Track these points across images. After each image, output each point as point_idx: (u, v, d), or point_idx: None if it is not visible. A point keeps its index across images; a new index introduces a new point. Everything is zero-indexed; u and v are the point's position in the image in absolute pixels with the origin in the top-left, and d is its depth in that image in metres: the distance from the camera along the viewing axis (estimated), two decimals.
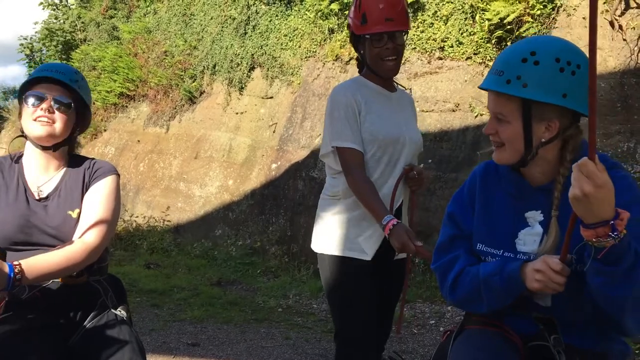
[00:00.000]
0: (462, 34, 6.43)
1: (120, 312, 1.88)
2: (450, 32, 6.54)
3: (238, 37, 9.61)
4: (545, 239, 1.48)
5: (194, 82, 10.46)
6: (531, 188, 1.55)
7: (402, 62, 2.34)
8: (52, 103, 1.83)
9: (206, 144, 9.73)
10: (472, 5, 6.33)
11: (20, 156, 1.94)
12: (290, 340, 4.40)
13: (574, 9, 5.57)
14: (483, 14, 6.11)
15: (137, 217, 9.56)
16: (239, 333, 4.58)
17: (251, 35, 9.35)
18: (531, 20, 5.73)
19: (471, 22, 6.36)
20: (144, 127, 11.39)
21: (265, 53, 9.02)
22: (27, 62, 18.42)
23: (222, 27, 10.08)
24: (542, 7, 5.68)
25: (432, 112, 6.41)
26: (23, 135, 1.91)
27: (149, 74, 11.49)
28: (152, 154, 10.83)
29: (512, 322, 1.56)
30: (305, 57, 8.38)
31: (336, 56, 7.84)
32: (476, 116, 5.98)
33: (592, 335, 1.50)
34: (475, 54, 6.26)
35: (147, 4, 12.68)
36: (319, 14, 8.11)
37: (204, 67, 10.28)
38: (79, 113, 1.94)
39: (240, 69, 9.42)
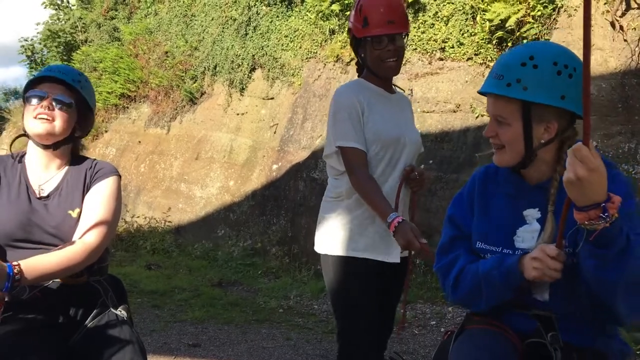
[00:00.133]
0: (462, 34, 6.43)
1: (121, 312, 1.88)
2: (451, 33, 6.54)
3: (239, 38, 9.62)
4: (542, 234, 1.51)
5: (194, 83, 10.47)
6: (529, 187, 1.59)
7: (403, 62, 2.36)
8: (52, 101, 1.84)
9: (207, 144, 9.73)
10: (472, 6, 6.33)
11: (23, 155, 1.95)
12: (291, 341, 4.40)
13: (574, 10, 5.57)
14: (484, 14, 6.11)
15: (138, 217, 9.56)
16: (240, 334, 4.58)
17: (252, 36, 9.36)
18: (532, 21, 5.74)
19: (472, 22, 6.36)
20: (145, 128, 11.40)
21: (266, 54, 9.02)
22: (28, 64, 18.44)
23: (223, 28, 10.09)
24: (542, 8, 5.69)
25: (433, 113, 6.41)
26: (25, 134, 1.91)
27: (149, 75, 11.50)
28: (153, 155, 10.84)
29: (511, 320, 1.58)
30: (306, 58, 8.38)
31: (337, 57, 7.84)
32: (477, 117, 5.98)
33: (591, 332, 1.51)
34: (476, 54, 6.26)
35: (148, 5, 12.69)
36: (320, 14, 8.12)
37: (204, 68, 10.29)
38: (81, 113, 1.94)
39: (241, 70, 9.42)
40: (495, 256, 1.56)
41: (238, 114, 9.38)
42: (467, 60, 6.35)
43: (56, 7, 16.82)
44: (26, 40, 17.72)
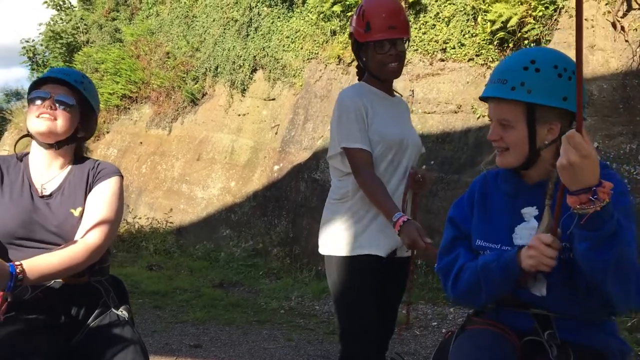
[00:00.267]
0: (464, 35, 6.43)
1: (122, 312, 1.88)
2: (452, 34, 6.54)
3: (240, 39, 9.63)
4: (539, 227, 1.54)
5: (196, 84, 10.49)
6: (528, 186, 1.63)
7: (405, 63, 2.41)
8: (54, 101, 1.87)
9: (208, 145, 9.74)
10: (473, 7, 6.33)
11: (26, 155, 1.97)
12: (293, 342, 4.40)
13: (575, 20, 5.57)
14: (485, 15, 6.11)
15: (139, 218, 9.57)
16: (241, 335, 4.58)
17: (253, 37, 9.37)
18: (533, 21, 5.74)
19: (473, 23, 6.36)
20: (147, 129, 11.42)
21: (268, 55, 9.03)
22: (29, 65, 18.47)
23: (224, 29, 10.10)
24: (544, 8, 5.69)
25: (434, 114, 6.41)
26: (29, 135, 1.93)
27: (151, 76, 11.52)
28: (154, 156, 10.85)
29: (509, 319, 1.61)
30: (308, 59, 8.39)
31: (338, 58, 7.85)
32: (478, 118, 5.98)
33: (589, 330, 1.54)
34: (477, 55, 6.26)
35: (150, 6, 12.71)
36: (321, 15, 8.12)
37: (206, 69, 10.30)
38: (84, 114, 1.96)
39: (243, 71, 9.43)
40: (494, 252, 1.60)
41: (239, 115, 9.39)
42: (468, 61, 6.35)
43: (58, 7, 16.84)
44: (27, 42, 17.75)
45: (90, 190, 1.91)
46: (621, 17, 5.24)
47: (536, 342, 1.53)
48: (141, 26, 12.59)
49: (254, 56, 9.28)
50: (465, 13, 6.44)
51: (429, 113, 6.45)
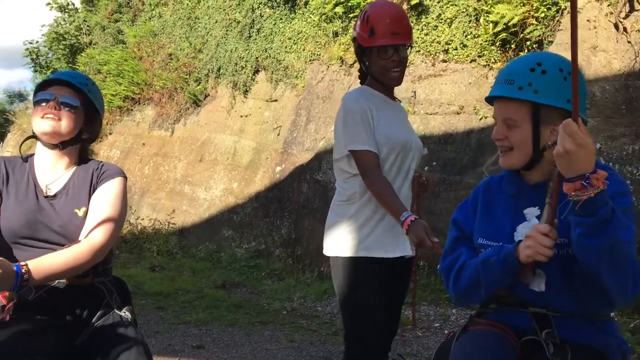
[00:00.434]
0: (466, 36, 6.43)
1: (125, 313, 1.89)
2: (454, 35, 6.54)
3: (242, 40, 9.64)
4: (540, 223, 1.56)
5: (198, 85, 10.50)
6: (529, 187, 1.65)
7: (407, 64, 2.44)
8: (59, 102, 1.90)
9: (211, 147, 9.76)
10: (476, 8, 6.33)
11: (31, 156, 1.99)
12: (295, 343, 4.41)
13: (578, 11, 5.56)
14: (487, 16, 6.11)
15: (142, 219, 9.59)
16: (243, 336, 4.59)
17: (255, 39, 9.38)
18: (535, 22, 5.73)
19: (475, 24, 6.36)
20: (149, 130, 11.44)
21: (270, 56, 9.04)
22: (32, 66, 18.52)
23: (227, 30, 10.12)
24: (546, 9, 5.68)
25: (437, 115, 6.41)
26: (34, 136, 1.96)
27: (154, 77, 11.54)
28: (157, 157, 10.87)
29: (508, 318, 1.62)
30: (310, 60, 8.39)
31: (340, 59, 7.85)
32: (480, 119, 5.98)
33: (587, 329, 1.55)
34: (479, 56, 6.26)
35: (152, 7, 12.74)
36: (323, 17, 8.13)
37: (208, 70, 10.32)
38: (88, 116, 1.99)
39: (245, 72, 9.45)
40: (495, 247, 1.63)
41: (242, 116, 9.40)
42: (470, 62, 6.35)
43: (61, 9, 16.89)
44: (31, 43, 17.80)
45: (94, 191, 1.93)
46: (623, 18, 5.24)
47: (535, 341, 1.54)
48: (144, 28, 12.62)
49: (256, 57, 9.30)
50: (467, 14, 6.44)
51: (431, 114, 6.45)
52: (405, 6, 6.75)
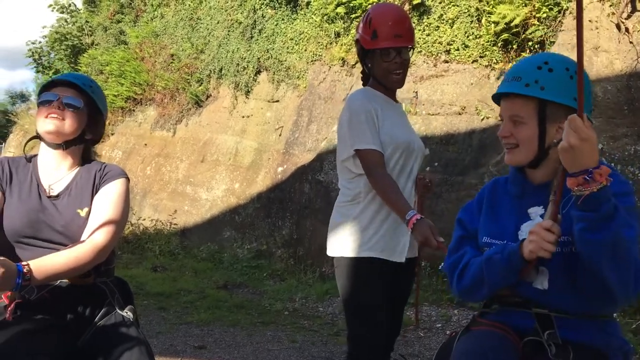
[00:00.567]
0: (468, 37, 6.43)
1: (127, 313, 1.90)
2: (456, 35, 6.54)
3: (244, 41, 9.65)
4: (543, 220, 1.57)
5: (200, 85, 10.51)
6: (533, 186, 1.66)
7: (409, 66, 2.45)
8: (62, 102, 1.91)
9: (212, 147, 9.77)
10: (477, 9, 6.33)
11: (34, 156, 2.00)
12: (297, 344, 4.41)
13: (575, 12, 5.56)
14: (489, 17, 6.11)
15: (144, 220, 9.61)
16: (245, 336, 4.59)
17: (257, 39, 9.39)
18: (537, 23, 5.73)
19: (477, 25, 6.36)
20: (151, 131, 11.45)
21: (272, 57, 9.05)
22: (35, 67, 18.56)
23: (229, 31, 10.13)
24: (548, 10, 5.68)
25: (438, 116, 6.41)
26: (38, 136, 1.97)
27: (155, 78, 11.56)
28: (159, 158, 10.89)
29: (511, 318, 1.62)
30: (311, 61, 8.40)
31: (342, 60, 7.86)
32: (482, 119, 5.98)
33: (589, 329, 1.55)
34: (481, 57, 6.26)
35: (154, 8, 12.76)
36: (325, 17, 8.13)
37: (210, 70, 10.33)
38: (91, 117, 2.00)
39: (247, 73, 9.45)
40: (499, 245, 1.64)
41: (243, 117, 9.41)
42: (472, 62, 6.34)
43: (63, 10, 16.93)
44: (33, 44, 17.85)
45: (96, 192, 1.94)
46: (625, 19, 5.23)
47: (537, 342, 1.54)
48: (146, 28, 12.64)
49: (258, 58, 9.30)
50: (469, 15, 6.44)
51: (433, 115, 6.45)
52: (406, 6, 6.75)
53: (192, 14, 11.41)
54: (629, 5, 5.23)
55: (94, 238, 1.81)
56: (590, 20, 5.37)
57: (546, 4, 5.69)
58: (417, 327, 4.57)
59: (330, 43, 8.14)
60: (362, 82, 2.51)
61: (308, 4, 8.59)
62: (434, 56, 6.73)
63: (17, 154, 2.08)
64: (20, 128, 17.04)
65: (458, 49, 6.49)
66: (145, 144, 11.41)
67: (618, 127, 4.99)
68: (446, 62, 6.61)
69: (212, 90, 10.38)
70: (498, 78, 6.03)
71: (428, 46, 6.78)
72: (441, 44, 6.67)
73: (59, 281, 1.82)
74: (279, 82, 8.90)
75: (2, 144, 20.78)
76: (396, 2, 6.72)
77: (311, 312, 5.46)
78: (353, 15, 7.66)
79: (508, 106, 1.64)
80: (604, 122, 5.01)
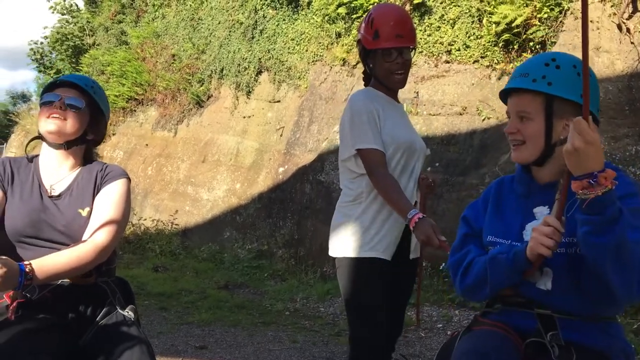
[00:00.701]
0: (469, 37, 6.43)
1: (128, 313, 1.90)
2: (457, 36, 6.54)
3: (245, 41, 9.66)
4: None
5: (201, 86, 10.52)
6: (539, 186, 1.66)
7: (410, 67, 2.45)
8: (64, 103, 1.92)
9: (214, 147, 9.77)
10: (478, 9, 6.33)
11: (36, 157, 2.01)
12: (298, 344, 4.41)
13: (581, 12, 5.56)
14: (490, 17, 6.11)
15: (145, 220, 9.61)
16: (246, 336, 4.60)
17: (258, 40, 9.39)
18: (538, 23, 5.73)
19: (478, 25, 6.36)
20: (152, 131, 11.46)
21: (273, 57, 9.05)
22: (36, 67, 18.59)
23: (230, 31, 10.13)
24: (549, 10, 5.68)
25: (439, 116, 6.41)
26: (39, 136, 1.98)
27: (157, 78, 11.57)
28: (160, 158, 10.89)
29: (513, 319, 1.62)
30: (312, 61, 8.40)
31: (343, 60, 7.86)
32: (483, 120, 5.98)
33: (592, 331, 1.54)
34: (482, 57, 6.26)
35: (155, 8, 12.77)
36: (326, 18, 8.14)
37: (211, 71, 10.33)
38: (93, 117, 2.01)
39: (248, 73, 9.46)
40: (505, 245, 1.64)
41: (245, 117, 9.42)
42: (473, 63, 6.34)
43: (64, 11, 16.96)
44: (35, 43, 17.88)
45: (98, 192, 1.95)
46: (627, 19, 5.23)
47: (539, 343, 1.54)
48: (147, 29, 12.65)
49: (259, 58, 9.31)
50: (470, 15, 6.44)
51: (434, 115, 6.45)
52: (408, 7, 6.75)
53: (193, 14, 11.42)
54: (630, 5, 5.23)
55: (95, 238, 1.82)
56: (591, 21, 5.37)
57: (547, 4, 5.69)
58: (418, 327, 4.57)
59: (332, 43, 8.15)
60: (363, 83, 2.51)
61: (309, 4, 8.59)
62: (435, 56, 6.73)
63: (19, 154, 2.09)
64: (22, 128, 17.06)
65: (459, 49, 6.49)
66: (147, 144, 11.42)
67: (619, 128, 4.99)
68: (447, 62, 6.62)
69: (213, 91, 10.38)
70: (499, 78, 6.03)
71: (429, 46, 6.78)
72: (442, 44, 6.67)
73: (60, 281, 1.82)
74: (280, 82, 8.90)
75: (3, 144, 20.81)
76: (397, 3, 6.73)
77: (312, 312, 5.46)
78: (354, 16, 7.66)
79: (515, 102, 1.64)
80: (605, 123, 5.01)
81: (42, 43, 17.72)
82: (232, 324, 4.93)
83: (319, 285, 6.10)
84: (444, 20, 6.71)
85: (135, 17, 13.71)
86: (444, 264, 5.24)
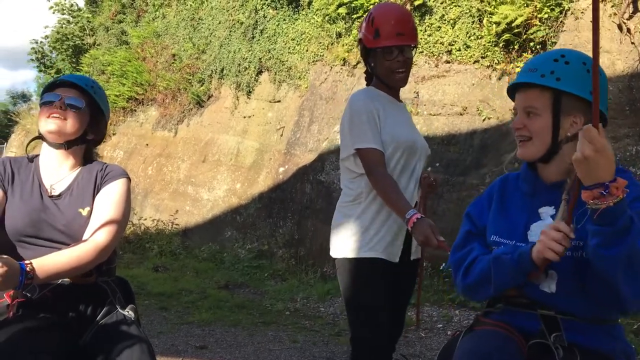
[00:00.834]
0: (469, 37, 6.43)
1: (129, 312, 1.90)
2: (457, 36, 6.54)
3: (246, 41, 9.66)
4: (555, 219, 1.54)
5: (202, 86, 10.53)
6: (545, 185, 1.63)
7: (412, 65, 2.44)
8: (65, 103, 1.93)
9: (214, 147, 9.77)
10: (479, 9, 6.33)
11: (36, 156, 2.01)
12: (298, 344, 4.41)
13: (581, 12, 5.56)
14: (490, 17, 6.11)
15: (145, 220, 9.62)
16: (246, 336, 4.60)
17: (259, 40, 9.40)
18: (539, 23, 5.73)
19: (478, 25, 6.36)
20: (153, 131, 11.46)
21: (273, 57, 9.05)
22: (37, 66, 18.60)
23: (230, 31, 10.14)
24: (549, 10, 5.68)
25: (440, 116, 6.41)
26: (40, 136, 1.98)
27: (157, 78, 11.57)
28: (160, 158, 10.90)
29: (516, 319, 1.60)
30: (313, 61, 8.41)
31: (343, 60, 7.86)
32: (484, 120, 5.98)
33: (596, 333, 1.53)
34: (482, 57, 6.26)
35: (156, 8, 12.77)
36: (327, 18, 8.14)
37: (212, 71, 10.34)
38: (93, 117, 2.01)
39: (248, 73, 9.46)
40: (509, 245, 1.61)
41: (245, 117, 9.42)
42: (473, 63, 6.34)
43: (64, 11, 16.96)
44: (37, 43, 17.89)
45: (98, 192, 1.95)
46: (627, 19, 5.23)
47: (542, 344, 1.52)
48: (147, 28, 12.66)
49: (260, 58, 9.31)
50: (470, 15, 6.44)
51: (434, 115, 6.45)
52: (408, 7, 6.75)
53: (193, 14, 11.43)
54: (631, 5, 5.23)
55: (95, 237, 1.82)
56: (591, 21, 5.37)
57: (548, 4, 5.69)
58: (418, 327, 4.57)
59: (332, 43, 8.15)
60: (366, 83, 2.50)
61: (309, 4, 8.60)
62: (435, 56, 6.73)
63: (19, 154, 2.09)
64: (22, 128, 17.08)
65: (459, 50, 6.50)
66: (147, 144, 11.42)
67: (620, 128, 4.99)
68: (448, 62, 6.62)
69: (213, 91, 10.39)
70: (499, 78, 6.03)
71: (429, 46, 6.79)
72: (443, 45, 6.67)
73: (60, 280, 1.82)
74: (281, 82, 8.90)
75: (4, 144, 20.82)
76: (398, 3, 6.72)
77: (312, 312, 5.46)
78: (354, 16, 7.66)
79: (523, 97, 1.62)
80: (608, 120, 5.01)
81: (42, 43, 17.73)
82: (232, 323, 4.93)
83: (319, 285, 6.10)
84: (445, 20, 6.71)
85: (135, 17, 13.71)
86: (444, 264, 5.24)
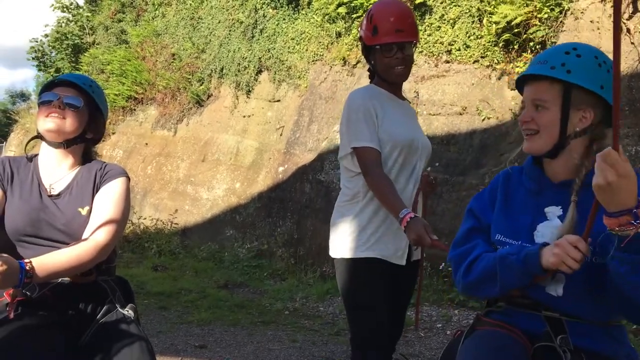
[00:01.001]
0: (469, 37, 6.43)
1: (128, 311, 1.90)
2: (457, 36, 6.54)
3: (245, 40, 9.65)
4: (564, 222, 1.50)
5: (201, 85, 10.52)
6: (552, 184, 1.59)
7: (413, 62, 2.43)
8: (63, 102, 1.93)
9: (213, 147, 9.77)
10: (479, 9, 6.33)
11: (35, 156, 2.02)
12: (297, 343, 4.41)
13: (581, 12, 5.57)
14: (490, 17, 6.12)
15: (144, 219, 9.61)
16: (246, 335, 4.60)
17: (258, 39, 9.39)
18: (538, 23, 5.73)
19: (478, 25, 6.36)
20: (152, 130, 11.46)
21: (273, 56, 9.05)
22: (36, 65, 18.58)
23: (230, 30, 10.13)
24: (549, 10, 5.68)
25: (439, 116, 6.41)
26: (39, 136, 1.98)
27: (157, 77, 11.57)
28: (159, 157, 10.89)
29: (520, 320, 1.57)
30: (313, 61, 8.40)
31: (343, 59, 7.86)
32: (483, 119, 5.98)
33: (601, 336, 1.50)
34: (482, 57, 6.26)
35: (155, 7, 12.77)
36: (326, 17, 8.14)
37: (211, 70, 10.33)
38: (92, 116, 2.02)
39: (248, 73, 9.46)
40: (515, 245, 1.57)
41: (244, 116, 9.42)
42: (473, 62, 6.35)
43: (64, 9, 16.94)
44: (36, 42, 17.87)
45: (97, 191, 1.95)
46: (627, 20, 5.23)
47: (547, 347, 1.48)
48: (147, 28, 12.65)
49: (259, 58, 9.31)
50: (470, 15, 6.45)
51: (434, 115, 6.45)
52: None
53: (193, 13, 11.42)
54: (631, 6, 5.23)
55: (95, 236, 1.82)
56: (591, 21, 5.37)
57: (547, 4, 5.69)
58: (417, 327, 4.57)
59: (332, 43, 8.15)
60: (369, 80, 2.48)
61: (309, 3, 8.59)
62: (435, 56, 6.73)
63: (18, 153, 2.09)
64: (21, 127, 17.07)
65: (459, 49, 6.50)
66: (146, 144, 11.41)
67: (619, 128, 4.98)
68: (447, 62, 6.62)
69: (213, 90, 10.38)
70: (499, 78, 6.03)
71: (429, 46, 6.79)
72: (442, 44, 6.67)
73: (60, 279, 1.82)
74: (280, 81, 8.90)
75: (3, 143, 20.82)
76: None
77: (312, 311, 5.46)
78: (354, 15, 7.66)
79: (532, 90, 1.57)
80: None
81: (42, 41, 17.71)
82: (231, 323, 4.93)
83: (319, 285, 6.10)
84: (444, 20, 6.71)
85: (135, 16, 13.71)
86: (443, 264, 5.24)
